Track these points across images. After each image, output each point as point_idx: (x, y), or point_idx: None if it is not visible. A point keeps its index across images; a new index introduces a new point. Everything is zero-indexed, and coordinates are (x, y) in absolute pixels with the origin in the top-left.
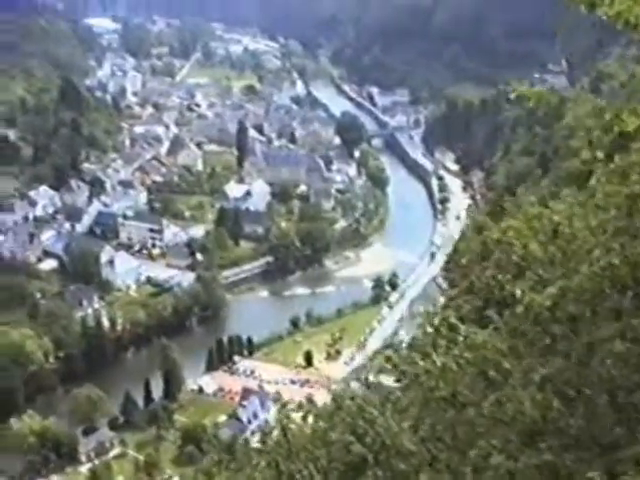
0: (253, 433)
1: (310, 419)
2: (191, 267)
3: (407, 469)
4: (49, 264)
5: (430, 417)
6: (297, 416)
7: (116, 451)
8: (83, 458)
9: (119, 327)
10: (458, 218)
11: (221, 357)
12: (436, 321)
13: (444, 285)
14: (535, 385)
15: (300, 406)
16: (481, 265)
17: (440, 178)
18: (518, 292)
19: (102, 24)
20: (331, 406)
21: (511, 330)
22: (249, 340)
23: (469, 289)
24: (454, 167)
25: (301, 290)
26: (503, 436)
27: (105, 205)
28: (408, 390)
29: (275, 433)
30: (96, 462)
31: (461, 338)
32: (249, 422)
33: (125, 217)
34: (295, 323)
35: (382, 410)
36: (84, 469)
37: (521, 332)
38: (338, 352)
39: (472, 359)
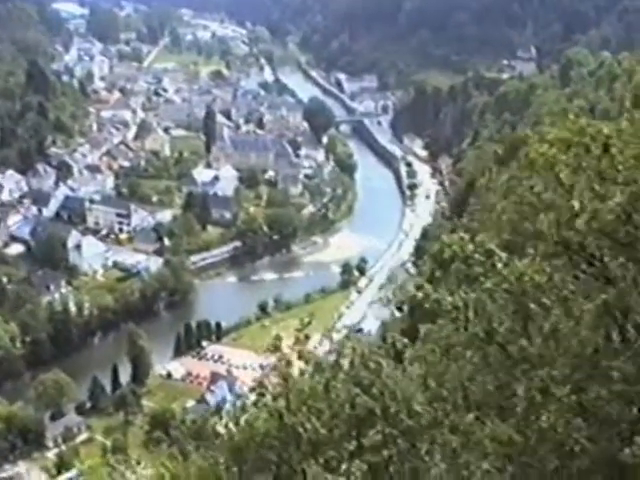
0: (221, 418)
1: (309, 370)
2: (159, 252)
3: (415, 426)
4: (16, 249)
5: (445, 367)
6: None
7: (83, 436)
8: (50, 443)
9: (86, 312)
10: (428, 197)
11: (189, 342)
12: (470, 248)
13: (412, 270)
14: (592, 313)
15: (300, 356)
16: (506, 199)
17: (408, 164)
18: (576, 204)
19: (69, 9)
20: (332, 357)
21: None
22: (217, 325)
23: (495, 223)
24: (422, 153)
25: (269, 275)
26: (562, 368)
27: (72, 189)
28: (425, 339)
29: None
30: (63, 447)
31: (500, 265)
32: (218, 407)
33: (92, 202)
34: (263, 308)
35: (388, 361)
36: (51, 454)
37: (565, 260)
38: (307, 337)
39: (510, 292)
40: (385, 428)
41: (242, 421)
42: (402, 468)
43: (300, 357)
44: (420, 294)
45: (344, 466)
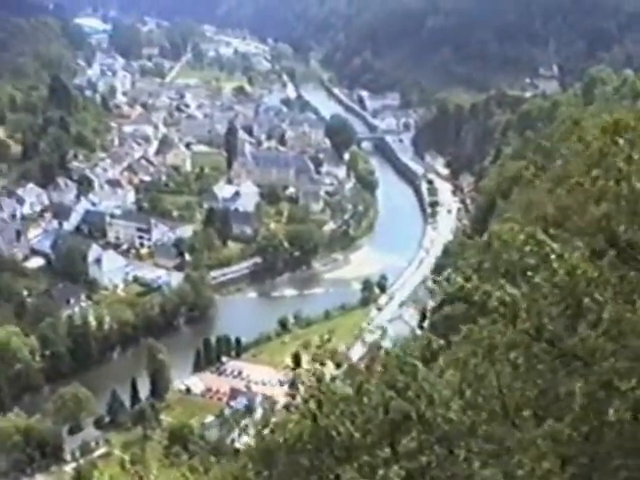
0: (240, 434)
1: (342, 372)
2: (179, 267)
3: (451, 432)
4: (36, 262)
5: (485, 370)
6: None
7: (101, 451)
8: (68, 457)
9: (106, 326)
10: (449, 212)
11: (209, 357)
12: (521, 238)
13: (433, 288)
14: None
15: (332, 356)
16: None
17: (430, 182)
18: (639, 185)
19: (92, 24)
20: (365, 360)
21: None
22: (237, 341)
23: (541, 217)
24: (444, 171)
25: (289, 291)
26: (623, 362)
27: (93, 204)
28: (465, 340)
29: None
30: (81, 461)
31: (553, 256)
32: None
33: (113, 216)
34: (283, 324)
35: (424, 363)
36: (69, 468)
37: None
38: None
39: (561, 286)
40: (421, 434)
41: (272, 423)
42: (441, 475)
43: (332, 359)
44: (469, 285)
45: (381, 472)
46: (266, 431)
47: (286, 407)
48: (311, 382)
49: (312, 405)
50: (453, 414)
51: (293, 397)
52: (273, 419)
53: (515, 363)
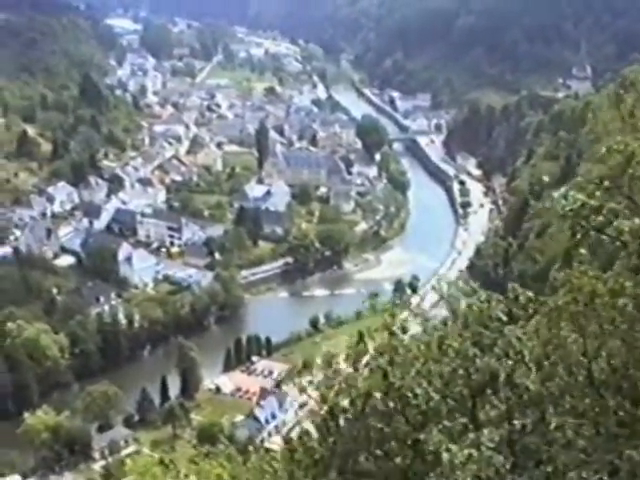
0: (270, 434)
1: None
2: (209, 266)
3: (542, 396)
4: (66, 260)
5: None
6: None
7: (130, 449)
8: (97, 455)
9: (136, 324)
10: (482, 206)
11: (239, 357)
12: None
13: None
14: None
15: (404, 307)
16: None
17: (461, 183)
18: None
19: (123, 24)
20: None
21: None
22: (267, 340)
23: None
24: (476, 172)
25: (320, 291)
26: None
27: (123, 202)
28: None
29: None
30: (110, 460)
31: None
32: (267, 422)
33: (143, 215)
34: (314, 324)
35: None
36: (97, 466)
37: None
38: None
39: None
40: (511, 396)
41: (337, 383)
42: (535, 441)
43: (403, 308)
44: (592, 202)
45: (471, 435)
46: (330, 393)
47: (353, 368)
48: (383, 336)
49: (383, 361)
50: (532, 385)
51: (359, 355)
52: (337, 380)
53: (614, 319)
